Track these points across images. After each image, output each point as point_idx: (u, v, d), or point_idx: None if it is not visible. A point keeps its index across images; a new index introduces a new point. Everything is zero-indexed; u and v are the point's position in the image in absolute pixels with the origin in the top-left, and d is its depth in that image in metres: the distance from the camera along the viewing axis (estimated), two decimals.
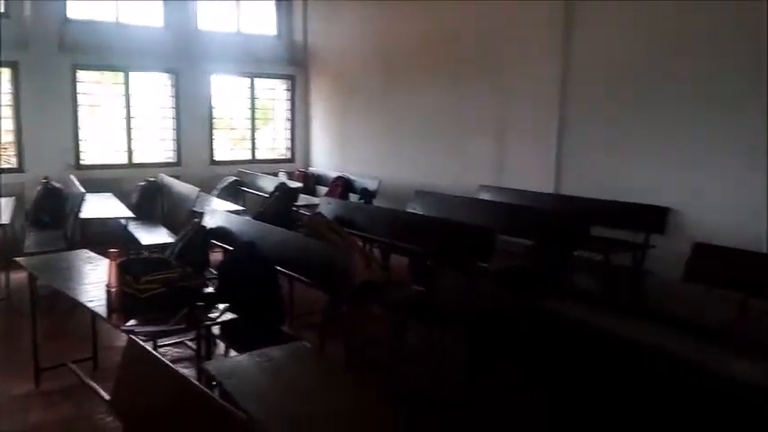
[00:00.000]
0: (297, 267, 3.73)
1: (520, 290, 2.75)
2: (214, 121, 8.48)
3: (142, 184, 6.80)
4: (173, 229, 5.76)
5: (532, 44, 5.75)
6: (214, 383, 2.29)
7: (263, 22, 8.89)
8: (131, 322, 2.83)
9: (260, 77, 8.79)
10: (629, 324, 2.96)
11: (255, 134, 8.92)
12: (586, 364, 2.25)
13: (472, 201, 5.51)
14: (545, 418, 2.47)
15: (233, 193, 7.45)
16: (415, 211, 5.27)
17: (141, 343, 1.94)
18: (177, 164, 8.09)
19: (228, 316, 3.14)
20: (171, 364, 1.75)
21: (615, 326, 2.36)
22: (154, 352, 1.86)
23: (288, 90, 9.01)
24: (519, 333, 2.48)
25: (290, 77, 8.97)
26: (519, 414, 2.57)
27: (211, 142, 8.46)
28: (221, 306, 3.20)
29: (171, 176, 6.92)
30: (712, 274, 3.23)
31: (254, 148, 8.90)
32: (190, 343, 4.02)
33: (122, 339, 4.20)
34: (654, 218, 4.77)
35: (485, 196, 5.81)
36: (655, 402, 1.96)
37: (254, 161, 8.78)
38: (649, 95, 4.88)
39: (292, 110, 9.07)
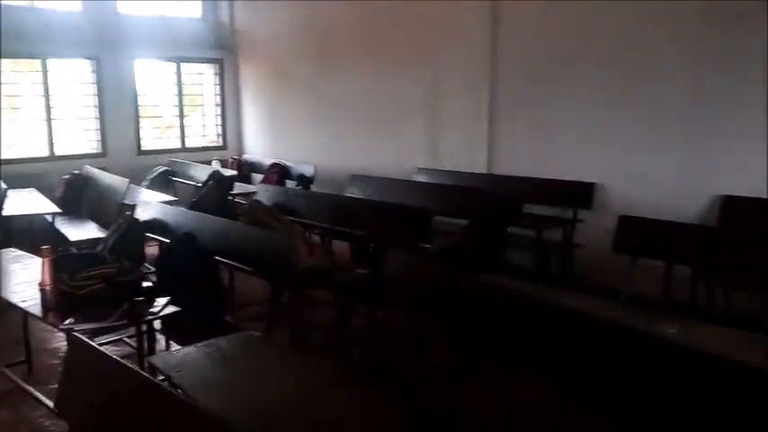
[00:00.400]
0: (238, 257, 3.69)
1: (459, 268, 2.85)
2: (140, 108, 8.17)
3: (66, 177, 6.50)
4: (102, 223, 5.56)
5: (461, 28, 5.86)
6: (162, 378, 2.27)
7: (187, 4, 8.61)
8: (69, 321, 2.75)
9: (186, 62, 8.51)
10: (561, 294, 3.12)
11: (184, 121, 8.66)
12: (524, 333, 2.37)
13: (409, 183, 5.60)
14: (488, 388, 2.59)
15: (164, 183, 7.23)
16: (353, 196, 5.29)
17: (86, 340, 1.90)
18: (102, 155, 7.77)
19: (171, 309, 3.09)
20: (121, 360, 1.73)
21: (548, 296, 2.48)
22: (101, 348, 1.82)
23: (216, 74, 8.79)
24: (461, 308, 2.58)
25: (217, 62, 8.74)
26: (463, 387, 2.68)
27: (138, 131, 8.16)
28: (162, 300, 3.16)
29: (97, 168, 6.65)
30: (637, 245, 3.42)
31: (183, 136, 8.64)
32: (128, 340, 3.93)
33: (57, 340, 4.11)
34: (581, 193, 5.01)
35: (421, 178, 5.91)
36: (590, 365, 2.09)
37: (184, 149, 8.54)
38: (574, 77, 5.08)
39: (222, 95, 8.86)
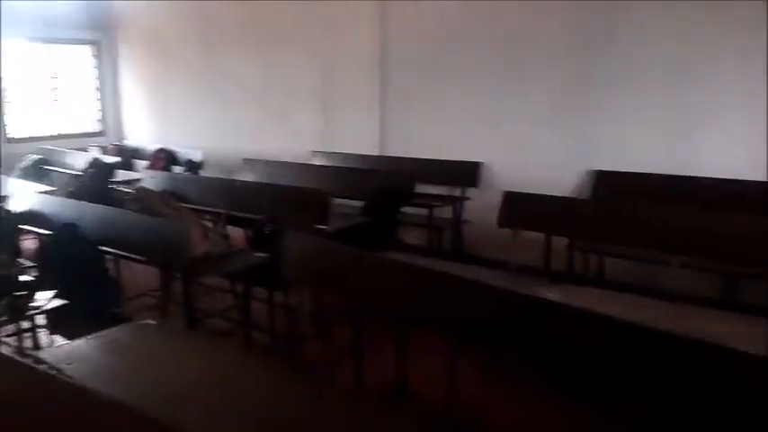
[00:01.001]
0: (126, 246, 3.55)
1: (357, 247, 2.91)
2: (5, 93, 7.51)
3: None
4: None
5: (351, 12, 5.90)
6: (53, 372, 2.17)
7: None
8: None
9: (58, 43, 7.93)
10: (452, 266, 3.29)
11: (57, 107, 8.08)
12: (420, 302, 2.48)
13: (303, 166, 5.59)
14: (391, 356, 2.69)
15: (37, 172, 6.72)
16: (247, 180, 5.22)
17: None
18: None
19: (56, 303, 2.95)
20: (15, 356, 1.63)
21: (440, 268, 2.61)
22: None
23: (94, 57, 8.26)
24: (362, 286, 2.65)
25: (94, 43, 8.22)
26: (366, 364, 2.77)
27: (2, 118, 7.52)
28: (46, 294, 3.00)
29: None
30: (520, 219, 3.65)
31: (57, 123, 8.06)
32: (7, 339, 3.67)
33: None
34: (468, 173, 5.25)
35: (316, 161, 5.93)
36: (477, 327, 2.24)
37: (58, 137, 7.97)
38: (462, 62, 5.29)
39: (100, 79, 8.34)
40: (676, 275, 3.08)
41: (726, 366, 1.68)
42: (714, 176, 4.07)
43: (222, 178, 5.30)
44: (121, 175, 6.25)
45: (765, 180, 3.88)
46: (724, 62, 4.09)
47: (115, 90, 8.46)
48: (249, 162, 5.62)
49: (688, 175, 4.18)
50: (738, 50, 4.03)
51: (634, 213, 3.46)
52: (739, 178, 3.97)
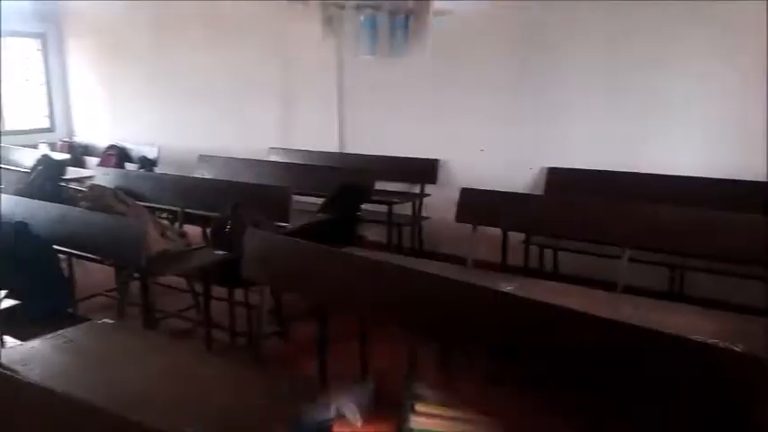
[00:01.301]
0: (80, 244, 3.47)
1: (319, 244, 2.93)
2: None
3: None
4: None
5: (306, 7, 5.86)
6: (8, 374, 2.12)
7: None
8: None
9: (2, 36, 7.63)
10: (412, 261, 3.34)
11: (2, 102, 7.78)
12: (382, 298, 2.51)
13: (262, 163, 5.56)
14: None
15: None
16: (204, 177, 5.16)
17: None
18: None
19: (7, 304, 2.87)
20: None
21: (404, 264, 2.65)
22: None
23: (40, 50, 7.99)
24: (324, 283, 2.67)
25: (39, 35, 7.95)
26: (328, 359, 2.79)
27: None
28: None
29: None
30: (477, 215, 3.72)
31: (2, 118, 7.77)
32: None
33: None
34: (426, 169, 5.32)
35: (274, 158, 5.90)
36: (438, 322, 2.29)
37: (4, 133, 7.69)
38: (417, 61, 5.31)
39: (47, 73, 8.08)
40: (626, 268, 3.20)
41: (699, 361, 1.73)
42: (662, 173, 4.24)
43: (178, 175, 5.22)
44: (72, 172, 6.08)
45: (715, 177, 4.05)
46: (672, 64, 4.25)
47: (63, 85, 8.21)
48: (205, 158, 5.56)
49: (637, 171, 4.34)
50: (686, 53, 4.20)
51: (585, 209, 3.56)
52: (687, 175, 4.15)
